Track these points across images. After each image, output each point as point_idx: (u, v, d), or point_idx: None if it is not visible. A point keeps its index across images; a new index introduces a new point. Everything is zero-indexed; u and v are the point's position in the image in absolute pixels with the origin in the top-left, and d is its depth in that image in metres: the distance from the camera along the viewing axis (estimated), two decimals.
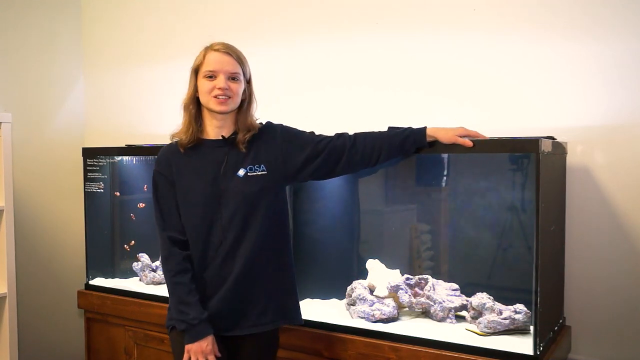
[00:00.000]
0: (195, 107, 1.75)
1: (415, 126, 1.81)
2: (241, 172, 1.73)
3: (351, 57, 2.44)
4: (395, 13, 2.33)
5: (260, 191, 1.73)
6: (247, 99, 1.78)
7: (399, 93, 2.33)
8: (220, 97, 1.69)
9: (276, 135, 1.79)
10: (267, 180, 1.74)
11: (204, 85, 1.71)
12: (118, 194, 2.73)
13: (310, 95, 2.54)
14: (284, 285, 1.79)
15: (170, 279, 1.70)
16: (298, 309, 1.83)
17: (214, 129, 1.76)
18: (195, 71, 1.74)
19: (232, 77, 1.71)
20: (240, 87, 1.73)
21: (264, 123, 1.83)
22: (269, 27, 2.65)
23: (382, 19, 2.36)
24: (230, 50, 1.72)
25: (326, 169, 1.82)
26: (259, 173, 1.74)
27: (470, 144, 1.72)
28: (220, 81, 1.69)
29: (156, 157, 1.81)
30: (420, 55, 2.28)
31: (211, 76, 1.70)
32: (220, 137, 1.75)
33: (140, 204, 2.71)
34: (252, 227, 1.71)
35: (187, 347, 1.66)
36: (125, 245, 2.76)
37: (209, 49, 1.73)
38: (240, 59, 1.73)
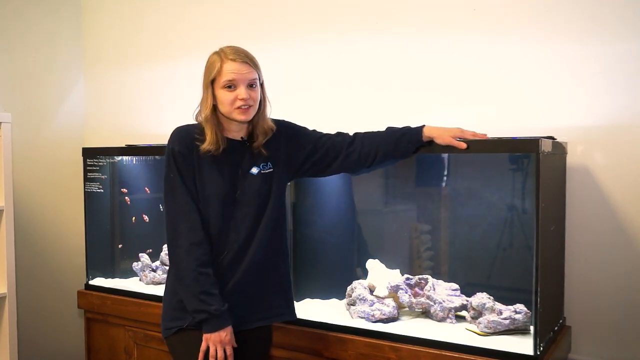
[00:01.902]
0: (215, 116, 1.72)
1: (414, 126, 1.82)
2: (254, 170, 1.74)
3: (351, 57, 2.44)
4: (395, 13, 2.33)
5: (270, 188, 1.76)
6: (262, 102, 1.76)
7: (399, 93, 2.33)
8: (243, 107, 1.67)
9: (280, 132, 1.81)
10: (275, 176, 1.77)
11: (224, 96, 1.67)
12: (125, 190, 2.73)
13: (310, 95, 2.54)
14: (285, 278, 1.82)
15: (196, 268, 1.63)
16: (294, 304, 1.87)
17: (233, 131, 1.75)
18: (211, 82, 1.69)
19: (251, 85, 1.69)
20: (258, 93, 1.72)
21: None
22: (269, 27, 2.65)
23: (382, 19, 2.36)
24: (246, 58, 1.68)
25: (323, 165, 1.84)
26: (268, 170, 1.76)
27: (464, 146, 1.73)
28: (242, 92, 1.66)
29: (175, 134, 1.72)
30: (421, 55, 2.28)
31: (230, 86, 1.67)
32: (240, 138, 1.76)
33: (133, 218, 2.72)
34: (262, 224, 1.73)
35: (206, 336, 1.65)
36: (120, 245, 2.76)
37: (224, 57, 1.67)
38: (255, 65, 1.71)
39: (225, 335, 1.65)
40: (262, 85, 1.76)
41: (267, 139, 1.77)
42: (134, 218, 2.71)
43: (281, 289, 1.81)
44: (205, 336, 1.65)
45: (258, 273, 1.74)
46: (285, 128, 1.83)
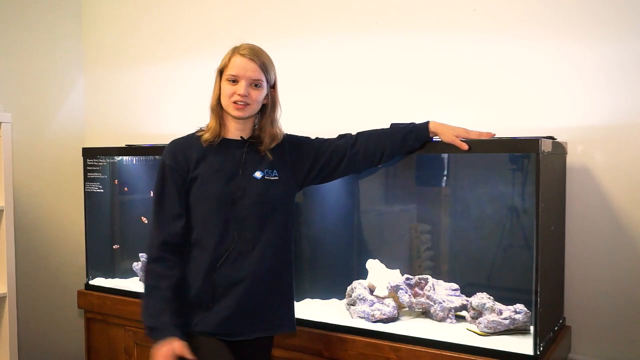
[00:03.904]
0: (220, 108, 1.74)
1: (418, 122, 1.82)
2: (258, 175, 1.73)
3: (352, 57, 2.44)
4: (395, 13, 2.33)
5: (275, 195, 1.74)
6: (270, 104, 1.76)
7: (400, 93, 2.33)
8: (239, 103, 1.67)
9: (284, 143, 1.80)
10: (281, 185, 1.75)
11: (225, 88, 1.69)
12: (119, 183, 2.73)
13: (310, 94, 2.54)
14: (288, 288, 1.80)
15: (155, 284, 1.65)
16: (294, 314, 1.84)
17: (234, 130, 1.75)
18: (220, 72, 1.72)
19: (254, 84, 1.69)
20: (260, 94, 1.71)
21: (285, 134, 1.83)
22: (269, 26, 2.65)
23: (382, 19, 2.36)
24: (255, 56, 1.69)
25: (329, 169, 1.83)
26: (273, 178, 1.75)
27: (466, 147, 1.73)
28: (241, 87, 1.66)
29: (168, 148, 1.74)
30: (421, 55, 2.28)
31: (233, 80, 1.68)
32: (240, 138, 1.75)
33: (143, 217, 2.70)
34: (268, 231, 1.72)
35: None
36: (115, 246, 2.76)
37: (235, 51, 1.70)
38: (264, 66, 1.70)
39: (162, 346, 1.56)
40: (273, 87, 1.76)
41: (276, 151, 1.77)
42: (145, 219, 2.69)
43: (284, 300, 1.78)
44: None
45: (262, 283, 1.71)
46: (288, 140, 1.82)
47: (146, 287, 1.68)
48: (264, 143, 1.75)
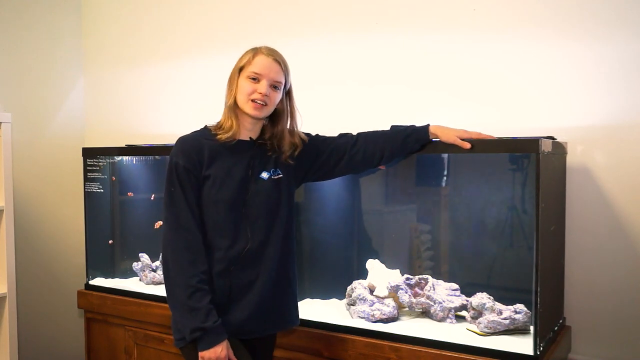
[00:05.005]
0: (237, 106, 1.71)
1: (418, 125, 1.82)
2: (265, 175, 1.73)
3: (351, 57, 2.44)
4: (395, 13, 2.33)
5: (281, 194, 1.74)
6: (287, 112, 1.76)
7: (400, 92, 2.33)
8: (259, 101, 1.66)
9: None
10: (285, 183, 1.76)
11: (245, 85, 1.67)
12: (119, 182, 2.72)
13: (310, 94, 2.53)
14: (293, 285, 1.82)
15: (192, 285, 1.60)
16: (298, 309, 1.86)
17: (244, 130, 1.74)
18: (239, 70, 1.70)
19: (274, 86, 1.69)
20: (278, 97, 1.71)
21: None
22: (269, 26, 2.65)
23: (382, 19, 2.36)
24: (279, 58, 1.70)
25: (328, 167, 1.84)
26: (278, 176, 1.75)
27: (468, 145, 1.74)
28: (263, 86, 1.66)
29: (179, 146, 1.69)
30: (421, 55, 2.28)
31: (254, 78, 1.67)
32: (249, 139, 1.75)
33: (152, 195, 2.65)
34: (276, 230, 1.72)
35: (202, 354, 1.60)
36: (110, 241, 2.76)
37: (258, 51, 1.69)
38: (286, 69, 1.72)
39: (220, 350, 1.60)
40: (288, 94, 1.76)
41: (274, 145, 1.77)
42: (157, 224, 2.64)
43: (291, 295, 1.80)
44: (200, 354, 1.60)
45: (273, 281, 1.72)
46: None
47: (185, 288, 1.61)
48: (283, 151, 1.74)
